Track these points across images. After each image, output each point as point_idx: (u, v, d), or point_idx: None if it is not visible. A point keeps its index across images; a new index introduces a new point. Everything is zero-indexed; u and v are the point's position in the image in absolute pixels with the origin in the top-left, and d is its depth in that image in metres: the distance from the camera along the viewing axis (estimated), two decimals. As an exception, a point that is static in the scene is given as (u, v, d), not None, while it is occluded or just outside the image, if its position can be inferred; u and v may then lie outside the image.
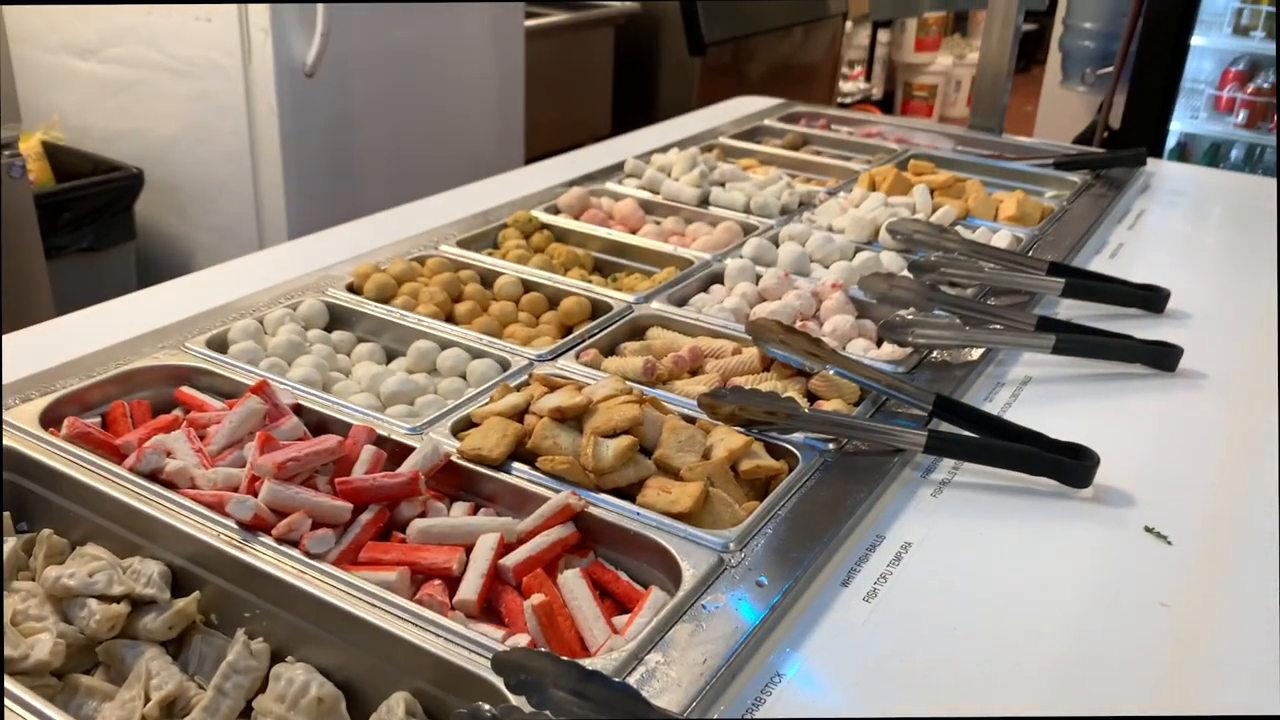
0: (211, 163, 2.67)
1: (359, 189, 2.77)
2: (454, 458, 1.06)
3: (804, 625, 0.90)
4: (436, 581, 0.92)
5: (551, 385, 1.16)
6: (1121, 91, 3.93)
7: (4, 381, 1.14)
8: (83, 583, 0.92)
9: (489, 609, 0.92)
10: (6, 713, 0.76)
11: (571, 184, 1.88)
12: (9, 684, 0.78)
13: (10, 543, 0.98)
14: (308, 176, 2.63)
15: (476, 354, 1.29)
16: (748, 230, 1.72)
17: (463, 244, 1.62)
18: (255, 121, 2.57)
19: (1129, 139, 3.79)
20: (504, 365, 1.27)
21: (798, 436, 1.12)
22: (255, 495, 0.95)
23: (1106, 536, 1.06)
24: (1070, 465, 1.11)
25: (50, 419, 1.09)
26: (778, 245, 1.64)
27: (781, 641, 0.88)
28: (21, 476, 1.04)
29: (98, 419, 1.13)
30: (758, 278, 1.52)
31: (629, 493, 1.03)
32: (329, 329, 1.37)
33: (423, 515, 1.00)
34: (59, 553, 0.99)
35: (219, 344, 1.27)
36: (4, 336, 1.31)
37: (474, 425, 1.12)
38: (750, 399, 1.13)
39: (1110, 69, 4.05)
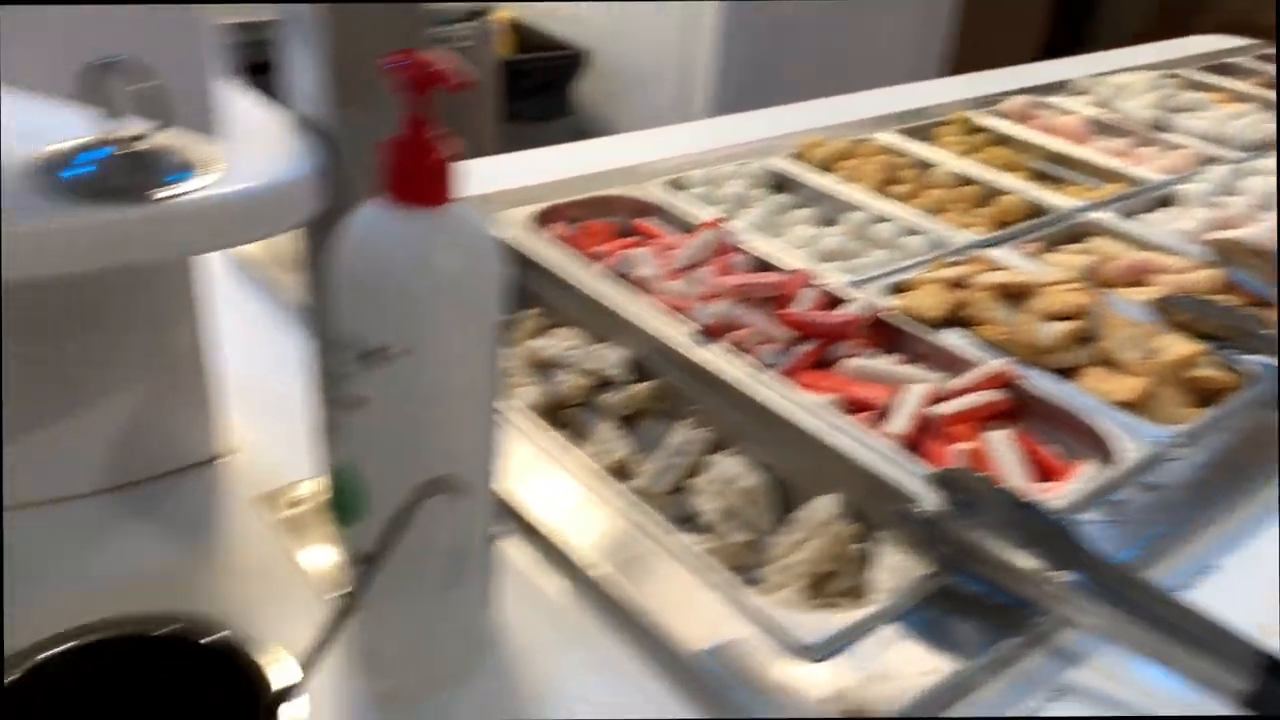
0: (649, 51, 2.85)
1: (781, 91, 2.84)
2: (889, 315, 1.09)
3: (1242, 530, 0.86)
4: (868, 413, 0.97)
5: (993, 266, 1.16)
6: None
7: (496, 189, 1.31)
8: (559, 354, 1.06)
9: (913, 452, 0.95)
10: (512, 442, 0.90)
11: (1015, 93, 1.83)
12: (513, 417, 0.92)
13: (498, 317, 1.14)
14: (736, 73, 2.73)
15: (911, 231, 1.31)
16: (1207, 160, 1.59)
17: (900, 134, 1.63)
18: (693, 16, 2.70)
19: None
20: (939, 245, 1.28)
21: (1257, 359, 1.06)
22: (713, 307, 1.05)
23: None
24: None
25: (541, 221, 1.25)
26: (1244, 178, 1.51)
27: (1220, 537, 0.85)
28: (515, 264, 1.20)
29: (574, 232, 1.28)
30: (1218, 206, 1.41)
31: (1065, 377, 1.02)
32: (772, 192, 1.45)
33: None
34: (539, 330, 1.14)
35: (676, 187, 1.38)
36: (477, 160, 1.50)
37: (909, 290, 1.15)
38: (1208, 310, 1.07)
39: None
